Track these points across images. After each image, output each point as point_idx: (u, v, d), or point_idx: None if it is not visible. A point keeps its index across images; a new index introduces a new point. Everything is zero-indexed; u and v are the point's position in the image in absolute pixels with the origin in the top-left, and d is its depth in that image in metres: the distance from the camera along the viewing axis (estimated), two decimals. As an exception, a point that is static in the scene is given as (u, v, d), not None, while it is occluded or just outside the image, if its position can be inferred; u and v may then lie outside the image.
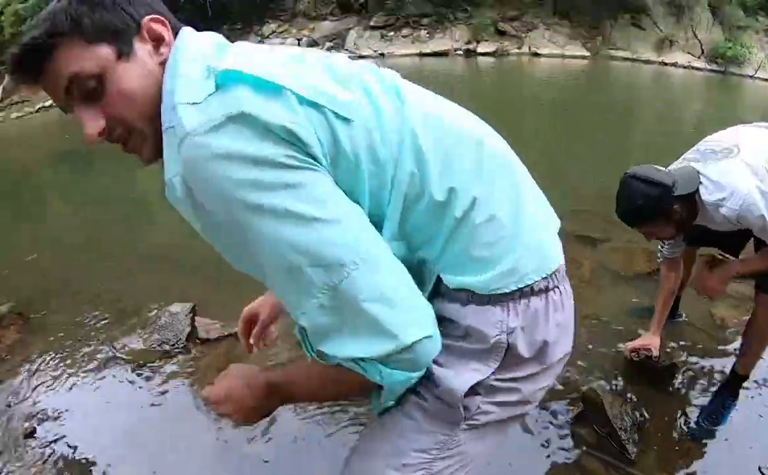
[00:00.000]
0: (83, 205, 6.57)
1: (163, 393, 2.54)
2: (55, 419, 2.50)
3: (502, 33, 17.16)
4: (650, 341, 2.34)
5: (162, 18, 0.82)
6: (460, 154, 0.85)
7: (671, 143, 6.05)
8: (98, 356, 2.89)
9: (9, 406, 2.71)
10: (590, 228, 3.86)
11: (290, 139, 0.71)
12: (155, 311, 3.01)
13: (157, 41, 0.81)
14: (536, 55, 16.28)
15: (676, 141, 4.98)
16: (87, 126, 0.78)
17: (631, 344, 2.40)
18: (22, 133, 16.48)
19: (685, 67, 15.70)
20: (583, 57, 16.23)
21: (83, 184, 7.80)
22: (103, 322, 3.20)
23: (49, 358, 2.97)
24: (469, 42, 17.02)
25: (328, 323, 0.75)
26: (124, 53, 0.78)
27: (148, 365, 2.72)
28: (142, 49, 0.80)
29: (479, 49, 16.61)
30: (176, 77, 0.76)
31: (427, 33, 17.65)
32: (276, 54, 0.82)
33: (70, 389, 2.69)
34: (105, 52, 0.77)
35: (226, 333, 2.73)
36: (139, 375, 2.68)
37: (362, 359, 0.77)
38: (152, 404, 2.49)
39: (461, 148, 0.86)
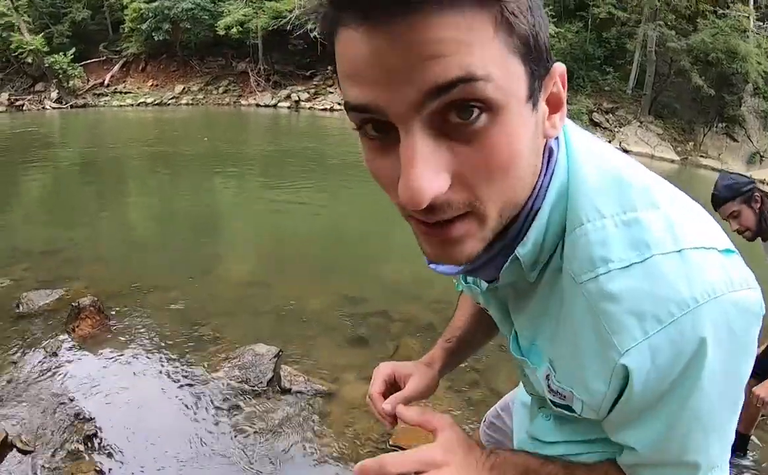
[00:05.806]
0: (177, 211, 6.72)
1: (233, 435, 2.39)
2: (116, 430, 2.38)
3: (595, 124, 16.99)
4: None
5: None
6: None
7: None
8: (170, 375, 2.78)
9: (72, 400, 2.65)
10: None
11: None
12: (238, 345, 2.89)
13: (555, 108, 0.52)
14: (625, 151, 15.83)
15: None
16: (423, 175, 0.43)
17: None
18: (118, 123, 17.44)
19: (773, 186, 14.95)
20: (672, 161, 15.76)
21: (179, 187, 8.05)
22: (180, 340, 3.11)
23: (120, 363, 2.89)
24: (563, 128, 16.93)
25: None
26: (533, 97, 0.47)
27: (223, 400, 2.58)
28: (542, 106, 0.50)
29: (571, 137, 16.48)
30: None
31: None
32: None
33: (137, 403, 2.57)
34: (520, 77, 0.45)
35: (309, 388, 2.58)
36: (211, 408, 2.53)
37: None
38: (218, 443, 2.34)
39: None
